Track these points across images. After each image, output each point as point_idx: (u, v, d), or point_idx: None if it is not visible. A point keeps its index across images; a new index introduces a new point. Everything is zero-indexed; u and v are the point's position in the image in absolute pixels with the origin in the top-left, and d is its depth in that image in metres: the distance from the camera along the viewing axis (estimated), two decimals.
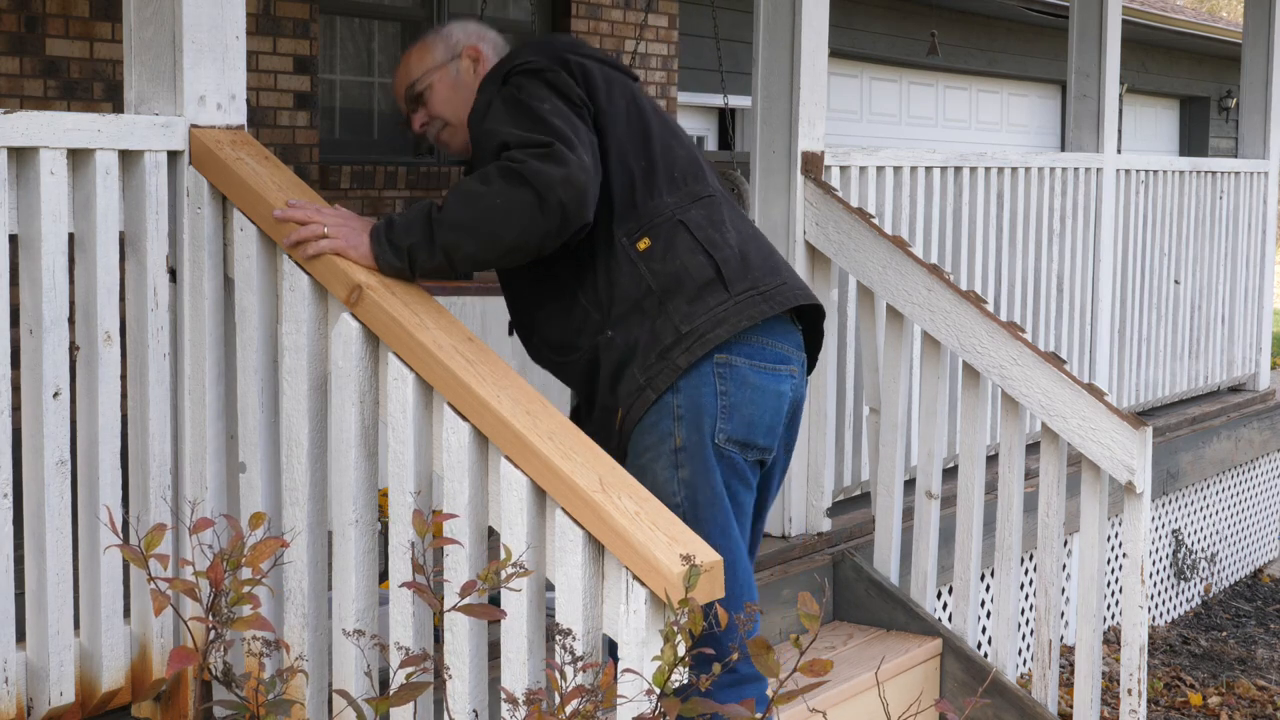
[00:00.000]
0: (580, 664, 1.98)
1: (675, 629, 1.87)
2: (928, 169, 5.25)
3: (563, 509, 2.58)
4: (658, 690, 1.87)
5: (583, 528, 2.55)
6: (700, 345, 2.89)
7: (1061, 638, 5.32)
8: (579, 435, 2.67)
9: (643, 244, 2.94)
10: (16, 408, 2.78)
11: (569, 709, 1.84)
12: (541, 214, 2.80)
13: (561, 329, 3.02)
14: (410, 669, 1.97)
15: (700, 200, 3.03)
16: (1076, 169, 6.17)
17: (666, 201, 2.99)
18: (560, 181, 2.79)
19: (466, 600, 2.05)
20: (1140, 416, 5.78)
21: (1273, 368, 9.93)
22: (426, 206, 2.86)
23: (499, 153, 2.84)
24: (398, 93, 3.22)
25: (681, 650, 1.89)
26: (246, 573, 1.85)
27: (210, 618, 1.82)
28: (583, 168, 2.81)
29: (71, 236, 2.83)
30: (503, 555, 2.27)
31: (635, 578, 2.48)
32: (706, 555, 2.44)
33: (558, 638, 2.07)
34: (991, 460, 5.00)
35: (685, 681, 1.98)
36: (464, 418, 2.70)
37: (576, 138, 2.85)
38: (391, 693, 2.62)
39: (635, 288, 2.93)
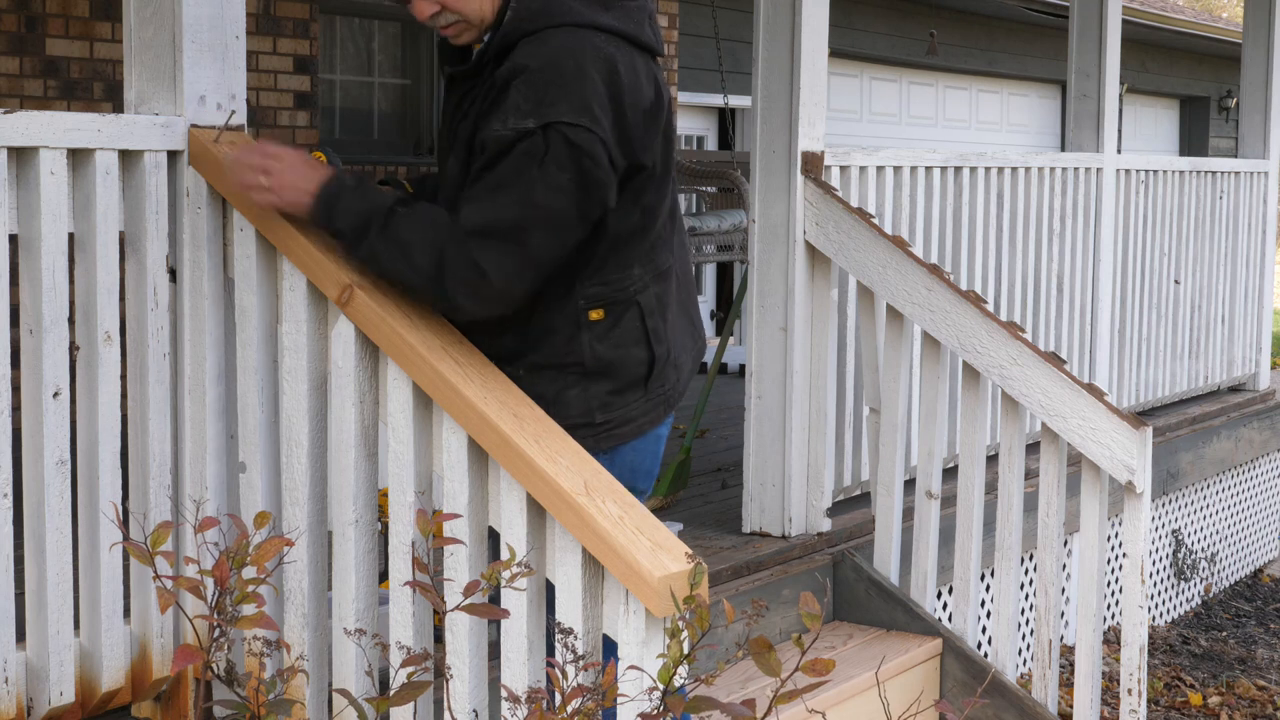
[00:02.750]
0: (581, 663, 1.98)
1: (681, 625, 1.87)
2: (928, 169, 5.25)
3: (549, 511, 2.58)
4: (661, 687, 1.87)
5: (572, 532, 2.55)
6: (606, 440, 2.82)
7: (1061, 638, 5.32)
8: (565, 439, 2.66)
9: (595, 314, 2.77)
10: (16, 408, 2.78)
11: (570, 708, 1.84)
12: (432, 297, 2.74)
13: (478, 324, 2.84)
14: (411, 668, 1.97)
15: (660, 275, 2.85)
16: (1076, 169, 6.17)
17: (634, 274, 2.80)
18: (461, 308, 2.71)
19: (469, 600, 2.05)
20: (1140, 416, 5.78)
21: (1273, 368, 9.93)
22: (372, 213, 2.71)
23: (472, 223, 2.64)
24: None
25: (687, 647, 1.89)
26: (251, 571, 1.85)
27: (215, 616, 1.82)
28: (501, 299, 2.71)
29: (71, 236, 2.83)
30: (504, 555, 2.27)
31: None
32: (688, 560, 2.44)
33: (559, 636, 2.07)
34: (991, 460, 5.00)
35: (688, 680, 1.98)
36: (456, 421, 2.70)
37: (533, 274, 2.68)
38: (392, 692, 2.63)
39: (568, 351, 2.78)
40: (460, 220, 2.66)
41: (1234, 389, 7.87)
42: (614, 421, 2.81)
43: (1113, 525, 5.71)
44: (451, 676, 2.70)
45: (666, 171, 2.85)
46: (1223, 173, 7.49)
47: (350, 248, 2.77)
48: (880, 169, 4.99)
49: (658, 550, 2.46)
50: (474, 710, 2.72)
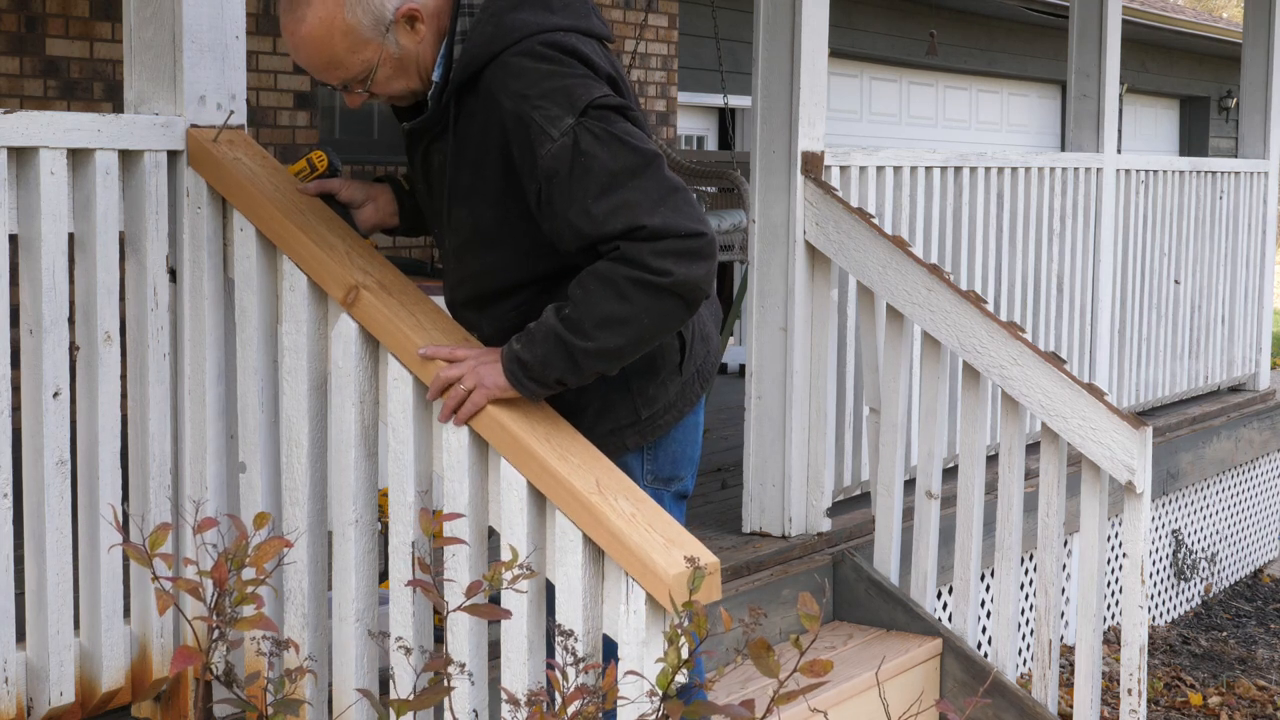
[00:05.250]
0: (582, 665, 1.98)
1: (679, 631, 1.87)
2: (928, 169, 5.25)
3: (560, 510, 2.58)
4: (660, 692, 1.87)
5: (580, 529, 2.55)
6: (652, 431, 2.80)
7: (1061, 638, 5.31)
8: (575, 436, 2.66)
9: None
10: (16, 408, 2.78)
11: (571, 709, 1.83)
12: (688, 311, 2.61)
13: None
14: (430, 673, 1.97)
15: None
16: (1076, 169, 6.17)
17: None
18: (705, 278, 2.57)
19: (471, 600, 2.04)
20: (1140, 416, 5.78)
21: (1273, 368, 9.93)
22: (552, 331, 2.57)
23: (630, 234, 2.52)
24: (315, 74, 2.73)
25: (685, 653, 1.88)
26: (250, 573, 1.84)
27: (214, 617, 1.82)
28: (715, 245, 2.59)
29: (71, 236, 2.83)
30: (506, 556, 2.27)
31: (633, 579, 2.48)
32: (705, 557, 2.44)
33: (559, 639, 2.07)
34: (991, 460, 4.99)
35: (687, 683, 1.98)
36: None
37: (689, 194, 2.60)
38: (400, 693, 2.63)
39: None
40: (618, 230, 2.53)
41: (1234, 389, 7.87)
42: (657, 412, 2.80)
43: (1113, 525, 5.71)
44: (453, 676, 2.70)
45: None
46: (1223, 173, 7.49)
47: (580, 374, 2.61)
48: (880, 169, 4.99)
49: (671, 546, 2.46)
50: (474, 710, 2.72)
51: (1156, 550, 6.82)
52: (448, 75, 2.68)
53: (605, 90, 2.61)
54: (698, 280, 2.55)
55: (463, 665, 2.55)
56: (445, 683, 1.91)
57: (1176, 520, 6.97)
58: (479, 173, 2.69)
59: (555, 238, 2.64)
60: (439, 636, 3.04)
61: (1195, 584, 7.18)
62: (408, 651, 2.42)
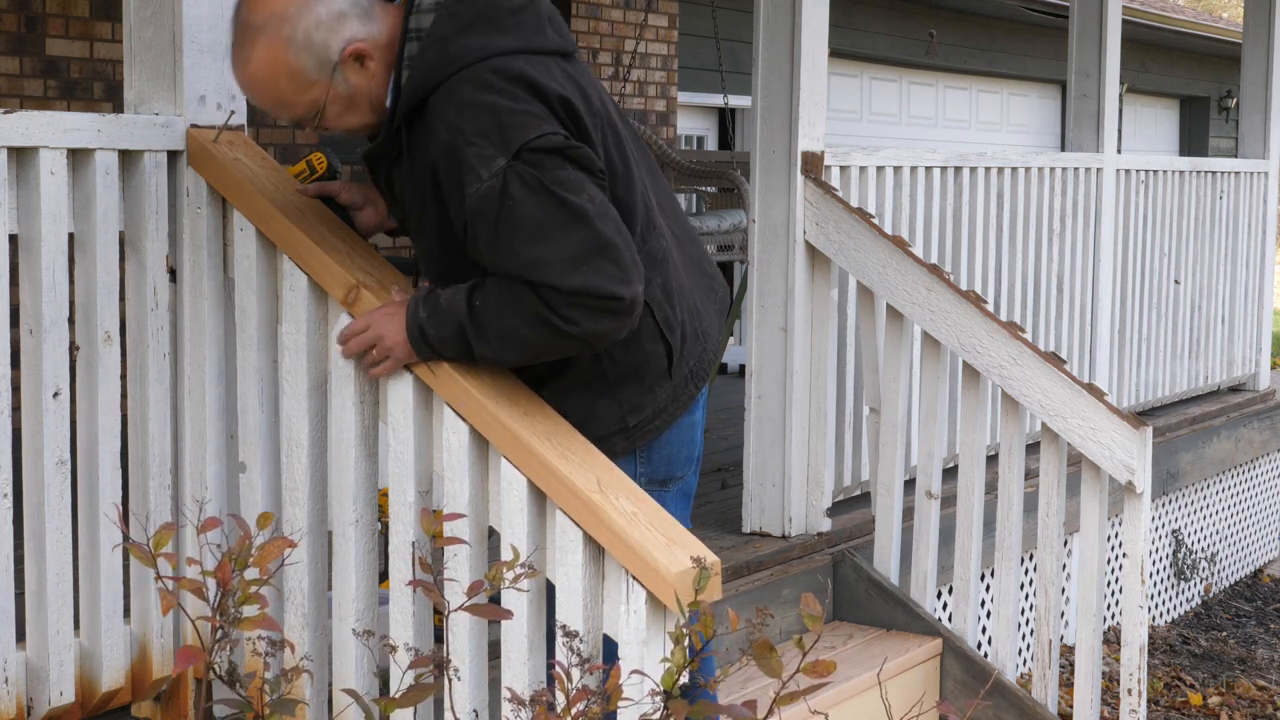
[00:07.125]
0: (587, 666, 1.98)
1: (685, 630, 1.87)
2: (928, 169, 5.25)
3: (561, 509, 2.58)
4: (664, 690, 1.87)
5: (581, 528, 2.55)
6: (640, 438, 2.80)
7: (1061, 638, 5.31)
8: (575, 436, 2.66)
9: None
10: (16, 408, 2.78)
11: (575, 710, 1.83)
12: (589, 351, 2.67)
13: None
14: (419, 670, 1.97)
15: (659, 261, 2.76)
16: (1076, 169, 6.17)
17: None
18: (612, 332, 2.61)
19: (472, 600, 2.04)
20: (1140, 416, 5.78)
21: (1273, 368, 9.93)
22: (458, 320, 2.62)
23: (546, 286, 2.54)
24: (266, 111, 2.74)
25: (691, 652, 1.88)
26: (253, 573, 1.84)
27: (218, 617, 1.82)
28: (634, 305, 2.60)
29: (71, 236, 2.83)
30: (506, 555, 2.27)
31: (634, 578, 2.48)
32: (708, 557, 2.44)
33: (563, 640, 2.06)
34: (991, 460, 4.99)
35: (690, 683, 1.98)
36: (463, 418, 2.70)
37: (631, 255, 2.59)
38: (396, 693, 2.62)
39: (591, 368, 2.74)
40: (536, 280, 2.55)
41: (1234, 389, 7.87)
42: (646, 419, 2.78)
43: (1113, 525, 5.71)
44: (438, 674, 2.69)
45: (628, 164, 2.75)
46: (1223, 173, 7.49)
47: (471, 364, 2.69)
48: (880, 169, 4.99)
49: (672, 546, 2.46)
50: (474, 710, 2.72)
51: (1156, 550, 6.82)
52: (398, 102, 2.66)
53: (545, 128, 2.56)
54: (605, 333, 2.60)
55: (448, 661, 2.55)
56: (436, 680, 1.90)
57: (1176, 520, 6.97)
58: (428, 199, 2.68)
59: (478, 260, 2.64)
60: (439, 636, 3.04)
61: (1195, 584, 7.18)
62: (393, 649, 2.42)
